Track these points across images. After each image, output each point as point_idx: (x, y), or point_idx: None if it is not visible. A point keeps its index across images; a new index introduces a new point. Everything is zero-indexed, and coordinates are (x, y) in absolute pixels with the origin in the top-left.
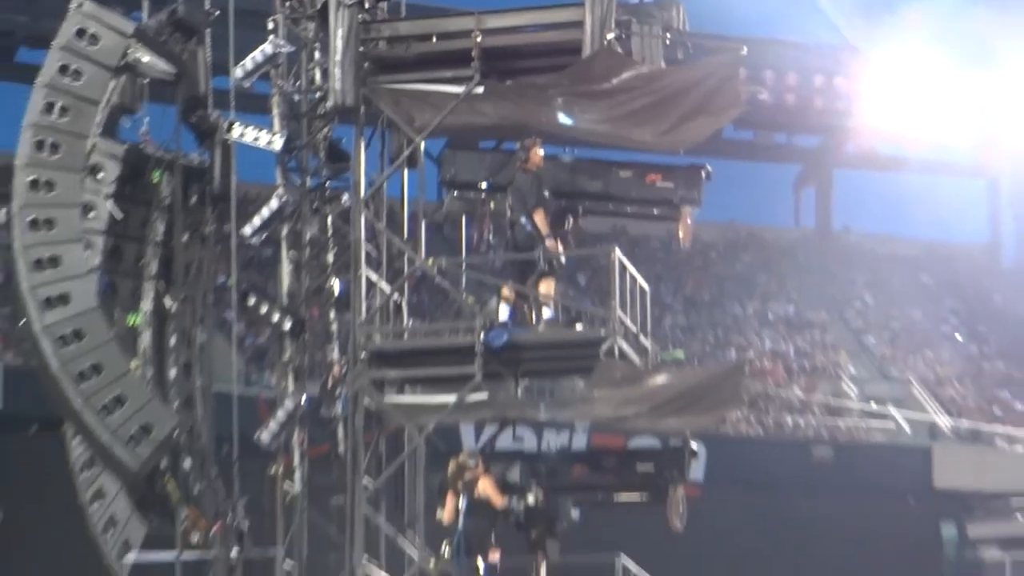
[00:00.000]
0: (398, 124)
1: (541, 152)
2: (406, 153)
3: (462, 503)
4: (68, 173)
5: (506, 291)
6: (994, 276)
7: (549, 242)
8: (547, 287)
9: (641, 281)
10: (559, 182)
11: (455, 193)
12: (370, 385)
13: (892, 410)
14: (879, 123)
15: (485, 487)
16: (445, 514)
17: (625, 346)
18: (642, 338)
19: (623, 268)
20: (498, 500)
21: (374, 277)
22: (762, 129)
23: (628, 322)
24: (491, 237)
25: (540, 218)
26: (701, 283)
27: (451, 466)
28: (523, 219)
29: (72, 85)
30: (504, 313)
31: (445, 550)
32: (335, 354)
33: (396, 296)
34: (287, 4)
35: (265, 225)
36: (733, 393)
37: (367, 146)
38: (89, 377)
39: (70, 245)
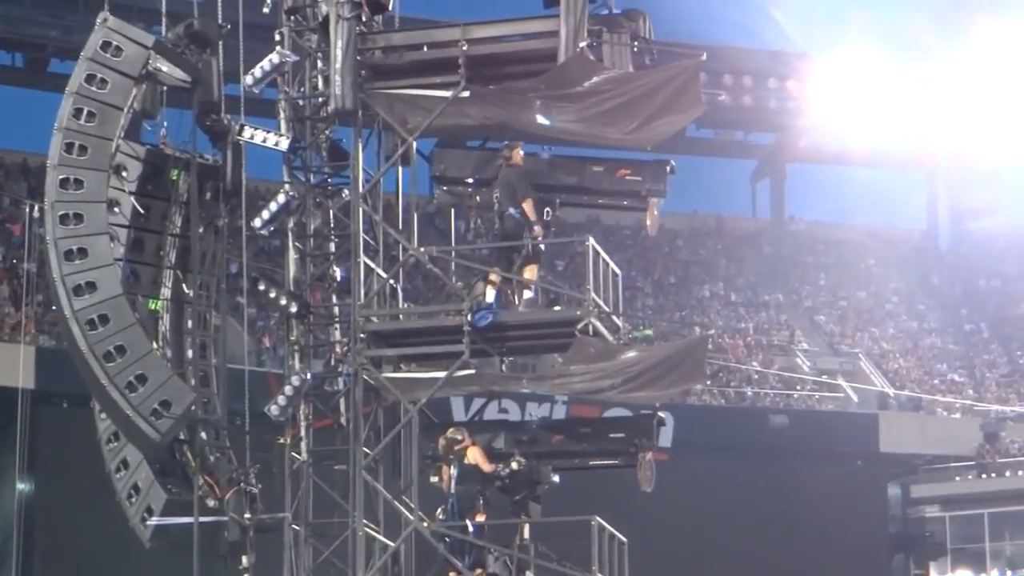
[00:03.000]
0: (392, 126)
1: (522, 152)
2: (400, 152)
3: (454, 471)
4: (95, 172)
5: (493, 276)
6: (932, 259)
7: (537, 228)
8: (531, 272)
9: (613, 266)
10: (538, 176)
11: (445, 188)
12: (369, 362)
13: (841, 382)
14: (827, 121)
15: (474, 455)
16: (444, 483)
17: (599, 325)
18: (614, 318)
19: (597, 254)
20: (487, 466)
21: (372, 264)
22: (721, 127)
23: (601, 303)
24: (477, 227)
25: (529, 206)
26: (668, 268)
27: (441, 442)
28: (511, 210)
29: (98, 92)
30: (491, 296)
31: (440, 513)
32: (337, 334)
33: (392, 281)
34: (292, 18)
35: (273, 218)
36: (697, 367)
37: (365, 146)
38: (114, 357)
39: (97, 237)
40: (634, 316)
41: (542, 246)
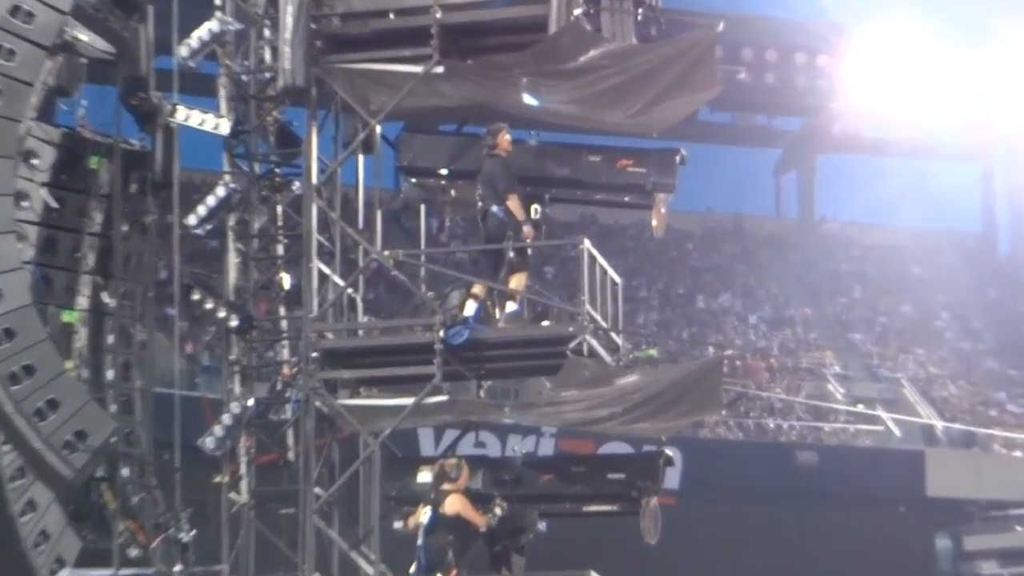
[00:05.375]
0: (352, 106)
1: (508, 137)
2: (361, 137)
3: (424, 517)
4: None
5: (477, 288)
6: (989, 267)
7: (526, 228)
8: (518, 282)
9: (612, 273)
10: (524, 167)
11: (413, 180)
12: (322, 386)
13: (881, 412)
14: (865, 104)
15: (454, 504)
16: (410, 530)
17: (595, 343)
18: (613, 335)
19: (593, 260)
20: (479, 520)
21: (327, 270)
22: (740, 111)
23: (598, 318)
24: (451, 226)
25: (515, 203)
26: (676, 276)
27: (435, 468)
28: (494, 208)
29: (5, 65)
30: (471, 310)
31: (412, 568)
32: (285, 353)
33: (350, 291)
34: None
35: (211, 215)
36: (711, 394)
37: (319, 130)
38: (21, 379)
39: (2, 236)
40: (637, 333)
41: (529, 251)
